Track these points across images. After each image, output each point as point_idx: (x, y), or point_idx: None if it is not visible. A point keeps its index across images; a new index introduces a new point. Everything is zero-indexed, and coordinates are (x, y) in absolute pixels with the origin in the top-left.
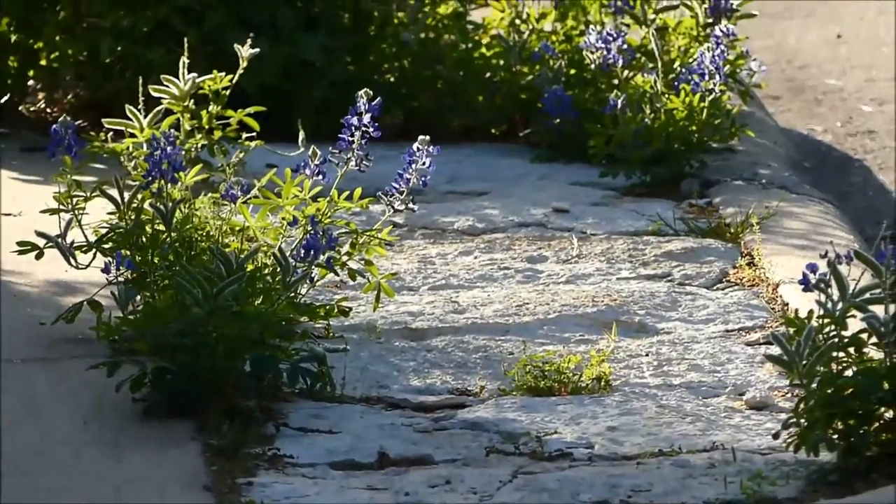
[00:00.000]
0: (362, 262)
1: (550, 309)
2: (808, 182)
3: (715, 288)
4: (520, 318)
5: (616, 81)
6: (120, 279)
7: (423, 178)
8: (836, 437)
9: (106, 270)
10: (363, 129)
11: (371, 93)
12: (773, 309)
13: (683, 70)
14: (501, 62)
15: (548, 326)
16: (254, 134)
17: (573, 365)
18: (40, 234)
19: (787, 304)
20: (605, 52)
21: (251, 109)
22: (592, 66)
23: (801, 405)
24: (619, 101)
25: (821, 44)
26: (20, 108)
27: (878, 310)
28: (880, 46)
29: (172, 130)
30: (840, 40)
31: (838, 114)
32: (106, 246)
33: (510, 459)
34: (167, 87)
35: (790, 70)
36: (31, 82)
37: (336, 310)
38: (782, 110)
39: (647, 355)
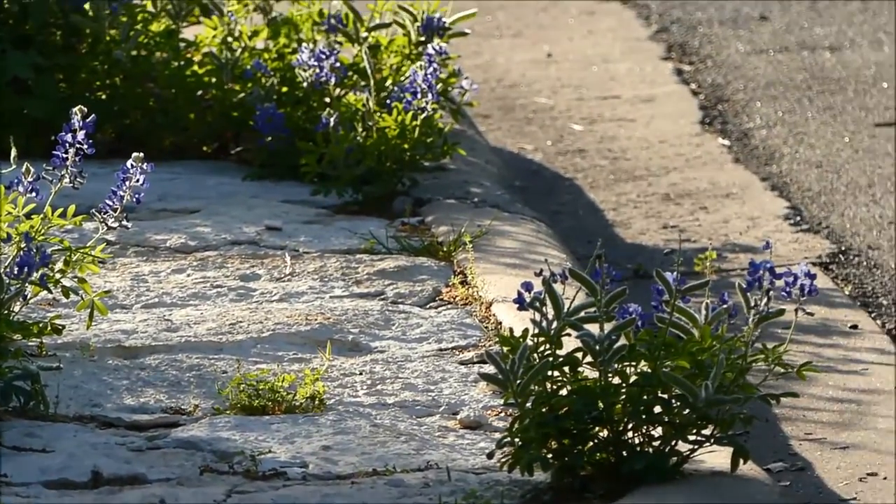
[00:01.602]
0: (76, 279)
1: (264, 327)
2: (519, 201)
3: (428, 307)
4: (233, 337)
5: (328, 99)
6: None
7: (136, 196)
8: (550, 456)
9: None
10: (77, 146)
11: (85, 110)
12: (486, 328)
13: (396, 88)
14: (213, 80)
15: (261, 345)
16: None
17: (287, 384)
18: None
19: (500, 323)
20: (317, 70)
21: None
22: (305, 84)
23: (516, 424)
24: (332, 120)
25: (530, 63)
26: None
27: (594, 328)
28: (590, 66)
29: None
30: (550, 59)
31: (549, 133)
32: None
33: (224, 478)
34: None
35: (500, 89)
36: None
37: (49, 327)
38: (493, 129)
39: (360, 374)
